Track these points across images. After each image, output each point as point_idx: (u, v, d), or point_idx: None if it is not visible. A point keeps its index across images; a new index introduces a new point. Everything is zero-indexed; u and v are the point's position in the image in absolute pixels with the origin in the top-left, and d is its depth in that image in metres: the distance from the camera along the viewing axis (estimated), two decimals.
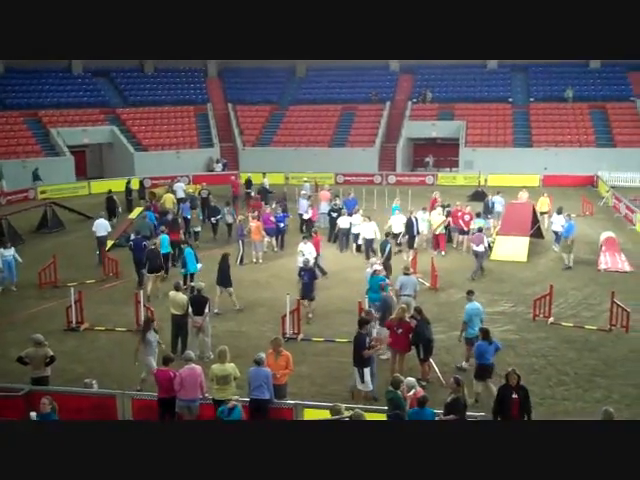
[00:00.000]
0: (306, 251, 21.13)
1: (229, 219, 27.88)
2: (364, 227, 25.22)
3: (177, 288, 16.85)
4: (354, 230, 26.02)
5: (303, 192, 32.07)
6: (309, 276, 18.96)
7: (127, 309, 19.21)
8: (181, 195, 32.86)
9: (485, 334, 13.90)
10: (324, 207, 30.04)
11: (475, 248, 23.11)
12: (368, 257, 23.38)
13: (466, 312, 15.45)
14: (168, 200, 31.36)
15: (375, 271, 18.02)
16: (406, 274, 17.96)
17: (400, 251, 25.15)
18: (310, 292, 18.90)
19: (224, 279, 19.52)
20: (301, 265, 19.71)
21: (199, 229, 28.16)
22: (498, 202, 29.60)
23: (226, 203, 29.22)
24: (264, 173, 38.04)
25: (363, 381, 13.87)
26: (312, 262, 20.33)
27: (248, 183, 37.19)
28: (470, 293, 16.02)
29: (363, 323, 14.23)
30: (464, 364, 15.42)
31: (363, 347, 13.84)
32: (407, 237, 25.19)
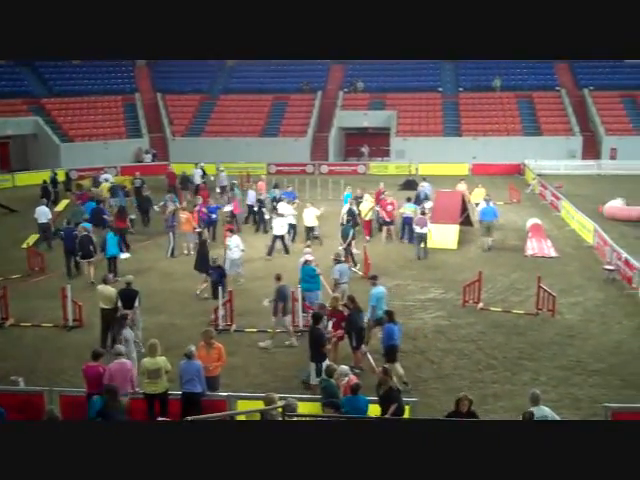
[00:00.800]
0: (232, 244, 20.93)
1: (171, 206, 27.31)
2: (306, 214, 25.37)
3: (105, 281, 16.52)
4: (288, 221, 25.87)
5: (220, 184, 33.29)
6: (218, 274, 18.46)
7: (54, 304, 18.67)
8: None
9: (390, 316, 14.34)
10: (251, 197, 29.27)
11: (419, 230, 23.80)
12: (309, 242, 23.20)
13: (373, 296, 15.74)
14: (104, 189, 31.72)
15: (306, 261, 17.97)
16: (338, 261, 18.05)
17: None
18: (217, 291, 17.71)
19: (203, 264, 19.76)
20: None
21: (134, 217, 28.21)
22: (426, 188, 30.07)
23: (168, 191, 29.77)
24: (196, 163, 37.64)
25: (319, 376, 13.23)
26: (240, 255, 20.47)
27: (183, 178, 36.14)
28: (374, 278, 16.40)
29: (318, 318, 13.92)
30: (363, 347, 15.30)
31: (321, 342, 13.56)
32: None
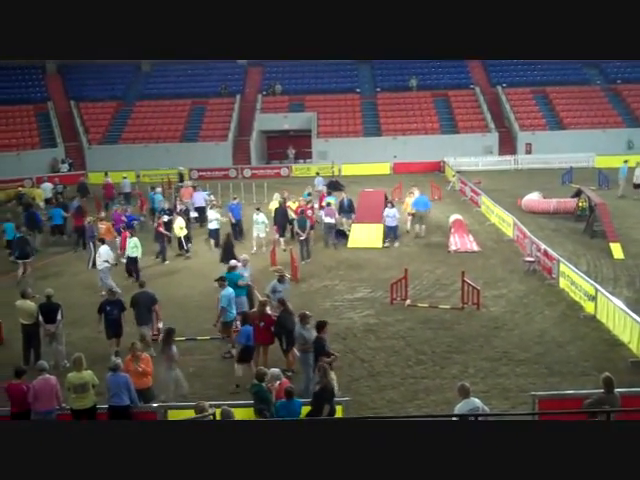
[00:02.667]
0: (102, 252, 20.47)
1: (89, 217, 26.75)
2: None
3: (24, 295, 15.92)
4: (210, 226, 25.68)
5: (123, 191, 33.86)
6: (119, 309, 15.76)
7: None
8: (49, 195, 33.47)
9: (245, 318, 14.47)
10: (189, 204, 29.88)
11: (328, 220, 25.04)
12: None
13: (224, 297, 15.77)
14: (38, 195, 33.90)
15: (230, 267, 17.70)
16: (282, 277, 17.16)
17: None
18: (119, 328, 15.66)
19: (229, 256, 20.43)
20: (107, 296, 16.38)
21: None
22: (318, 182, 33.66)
23: (106, 203, 31.66)
24: (106, 172, 37.12)
25: None
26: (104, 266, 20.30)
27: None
28: (222, 279, 16.37)
29: (322, 326, 13.35)
30: (233, 351, 15.36)
31: (322, 352, 12.97)
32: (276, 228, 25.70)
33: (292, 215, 26.03)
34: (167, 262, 24.23)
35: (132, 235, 22.28)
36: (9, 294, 19.22)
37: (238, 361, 14.19)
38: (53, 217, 28.07)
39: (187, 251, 25.15)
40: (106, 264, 20.41)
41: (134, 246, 21.56)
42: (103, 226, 24.38)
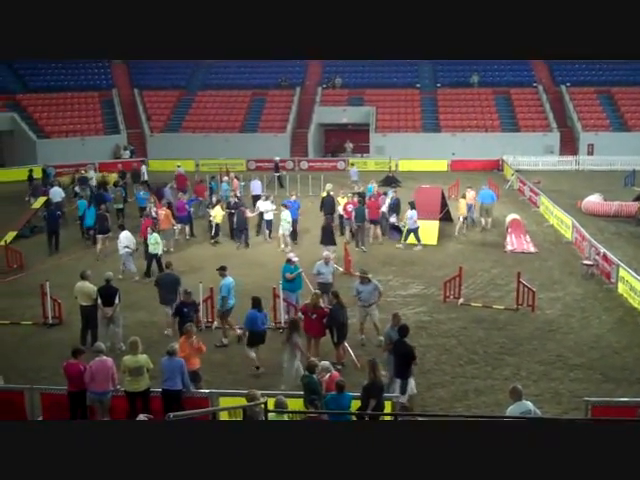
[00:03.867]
0: (122, 238, 21.11)
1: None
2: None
3: (83, 277, 16.34)
4: (267, 217, 25.88)
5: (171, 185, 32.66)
6: (194, 310, 15.93)
7: (33, 301, 18.51)
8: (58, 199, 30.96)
9: (256, 302, 14.74)
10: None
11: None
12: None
13: (225, 286, 16.12)
14: (112, 179, 34.26)
15: (288, 260, 17.69)
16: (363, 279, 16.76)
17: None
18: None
19: (328, 239, 22.10)
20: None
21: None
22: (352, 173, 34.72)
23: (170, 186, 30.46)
24: (178, 165, 37.54)
25: (404, 392, 12.41)
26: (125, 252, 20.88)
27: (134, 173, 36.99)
28: (223, 269, 16.68)
29: (407, 330, 12.96)
30: (224, 340, 16.17)
31: (412, 357, 12.56)
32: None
33: (340, 210, 26.10)
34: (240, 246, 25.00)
35: (153, 230, 21.76)
36: (71, 276, 19.75)
37: (247, 345, 14.69)
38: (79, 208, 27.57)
39: (216, 238, 25.73)
40: (127, 249, 21.08)
41: (155, 242, 21.11)
42: (162, 212, 24.73)
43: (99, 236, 23.86)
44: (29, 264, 22.77)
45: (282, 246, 24.34)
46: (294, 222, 24.99)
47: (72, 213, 28.82)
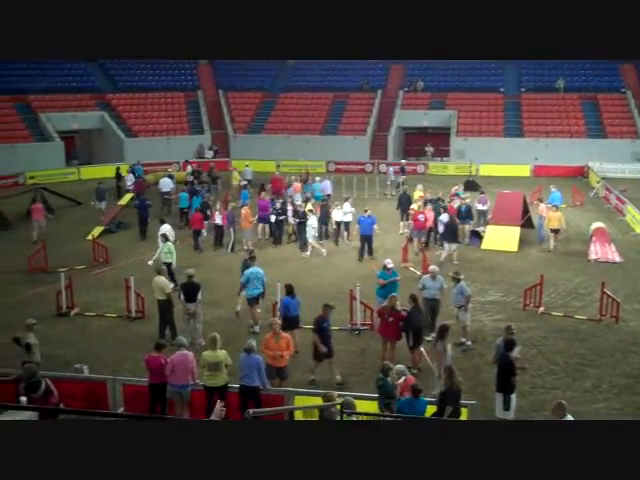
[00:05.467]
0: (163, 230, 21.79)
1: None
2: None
3: (159, 272, 16.81)
4: (345, 218, 25.94)
5: (243, 182, 33.31)
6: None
7: (117, 295, 19.15)
8: (166, 189, 32.56)
9: (289, 289, 15.54)
10: (296, 199, 29.27)
11: (480, 207, 27.22)
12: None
13: (244, 275, 16.93)
14: (234, 177, 35.98)
15: (384, 267, 17.31)
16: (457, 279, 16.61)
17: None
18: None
19: (451, 235, 22.71)
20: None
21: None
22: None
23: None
24: (277, 166, 38.12)
25: (507, 408, 12.03)
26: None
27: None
28: (252, 259, 17.77)
29: (512, 344, 12.62)
30: (256, 328, 16.89)
31: (513, 372, 12.19)
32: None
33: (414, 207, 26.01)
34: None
35: (166, 240, 20.89)
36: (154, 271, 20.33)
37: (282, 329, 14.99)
38: (180, 200, 29.23)
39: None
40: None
41: (168, 252, 20.27)
42: (243, 211, 25.20)
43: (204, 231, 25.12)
44: (114, 259, 23.53)
45: (323, 250, 24.35)
46: (369, 238, 23.72)
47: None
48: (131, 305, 18.17)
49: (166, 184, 32.32)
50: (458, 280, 16.37)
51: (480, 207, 27.37)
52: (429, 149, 48.09)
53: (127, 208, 30.08)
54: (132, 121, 48.31)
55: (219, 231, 25.49)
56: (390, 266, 17.25)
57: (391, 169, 38.60)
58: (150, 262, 21.76)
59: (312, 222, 24.39)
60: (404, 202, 27.55)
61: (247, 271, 17.07)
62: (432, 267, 17.20)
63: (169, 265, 19.99)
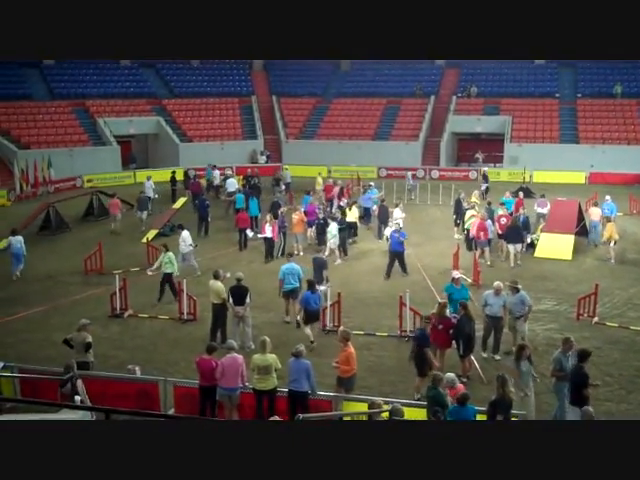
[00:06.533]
0: (180, 239, 22.48)
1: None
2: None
3: (216, 276, 17.01)
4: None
5: (281, 189, 35.42)
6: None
7: (169, 297, 19.50)
8: (232, 189, 33.90)
9: (310, 285, 16.63)
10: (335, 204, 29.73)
11: (540, 210, 27.66)
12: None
13: (280, 271, 18.01)
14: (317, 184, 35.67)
15: (453, 279, 16.98)
16: (516, 289, 16.29)
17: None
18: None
19: (516, 236, 23.14)
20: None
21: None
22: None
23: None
24: (329, 171, 38.32)
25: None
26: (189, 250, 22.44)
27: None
28: (290, 255, 19.56)
29: (587, 355, 12.26)
30: (286, 317, 18.10)
31: (585, 384, 11.94)
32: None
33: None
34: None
35: (167, 250, 20.24)
36: (205, 275, 20.58)
37: (304, 322, 16.72)
38: (237, 201, 30.09)
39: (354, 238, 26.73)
40: (190, 247, 22.42)
41: (168, 261, 19.83)
42: (296, 217, 25.37)
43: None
44: None
45: (338, 260, 24.07)
46: (400, 255, 22.30)
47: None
48: (183, 307, 18.43)
49: (232, 184, 34.28)
50: (517, 290, 16.08)
51: (540, 210, 27.63)
52: (479, 156, 47.56)
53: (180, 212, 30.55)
54: (187, 126, 49.06)
55: (269, 244, 24.33)
56: (457, 277, 16.89)
57: (409, 174, 39.10)
58: (150, 272, 21.67)
59: (332, 229, 24.09)
60: (459, 208, 27.59)
61: (283, 267, 18.18)
62: (497, 283, 16.16)
63: (170, 275, 19.78)
